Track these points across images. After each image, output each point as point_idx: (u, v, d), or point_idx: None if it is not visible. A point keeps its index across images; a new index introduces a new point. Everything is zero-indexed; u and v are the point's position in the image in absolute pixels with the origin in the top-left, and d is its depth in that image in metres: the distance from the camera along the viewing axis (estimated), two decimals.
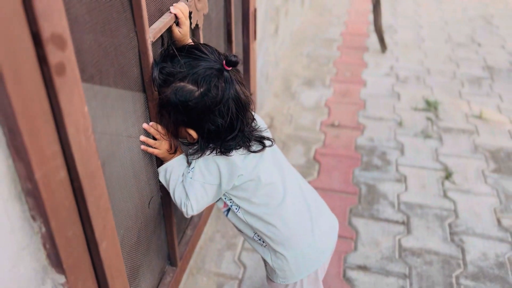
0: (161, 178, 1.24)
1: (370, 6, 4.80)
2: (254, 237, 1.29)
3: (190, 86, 1.06)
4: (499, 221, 2.09)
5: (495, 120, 2.87)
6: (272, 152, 1.26)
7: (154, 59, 1.11)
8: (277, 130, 2.75)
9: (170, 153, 1.21)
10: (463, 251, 1.93)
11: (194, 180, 1.16)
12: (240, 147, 1.15)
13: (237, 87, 1.09)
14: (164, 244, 1.45)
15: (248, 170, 1.16)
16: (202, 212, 1.81)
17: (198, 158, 1.15)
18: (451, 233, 2.02)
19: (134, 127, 1.13)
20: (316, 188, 2.27)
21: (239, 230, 1.32)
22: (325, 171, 2.40)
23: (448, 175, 2.37)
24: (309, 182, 2.31)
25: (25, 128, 0.69)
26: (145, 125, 1.16)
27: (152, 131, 1.17)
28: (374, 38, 4.04)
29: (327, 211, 1.37)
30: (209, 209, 1.92)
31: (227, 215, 1.29)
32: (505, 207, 2.17)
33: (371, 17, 4.57)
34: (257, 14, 2.17)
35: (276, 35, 3.10)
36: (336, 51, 3.90)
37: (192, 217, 1.76)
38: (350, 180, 2.34)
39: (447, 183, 2.32)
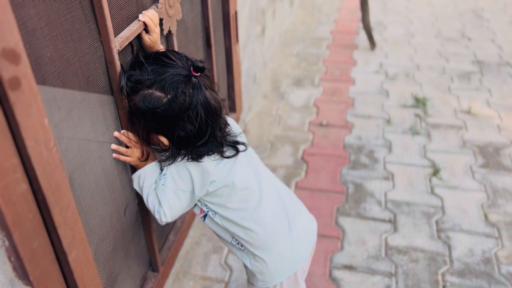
0: (135, 186, 1.24)
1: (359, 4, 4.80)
2: (232, 242, 1.29)
3: (158, 93, 1.06)
4: (486, 216, 2.09)
5: (484, 115, 2.87)
6: (247, 156, 1.26)
7: (122, 67, 1.11)
8: (266, 131, 2.75)
9: (142, 161, 1.21)
10: (449, 247, 1.94)
11: (166, 186, 1.15)
12: (213, 153, 1.15)
13: (207, 92, 1.09)
14: (144, 250, 1.46)
15: (221, 176, 1.16)
16: (185, 217, 1.81)
17: (169, 164, 1.15)
18: (438, 230, 2.02)
19: (105, 136, 1.13)
20: (303, 188, 2.28)
21: (218, 235, 1.33)
22: (312, 171, 2.41)
23: (435, 172, 2.37)
24: (297, 183, 2.31)
25: None
26: (116, 133, 1.16)
27: (123, 139, 1.18)
28: (363, 35, 4.04)
29: (305, 213, 1.37)
30: (193, 213, 1.93)
31: (204, 220, 1.29)
32: (493, 202, 2.17)
33: (360, 14, 4.57)
34: (238, 17, 2.18)
35: (263, 36, 3.10)
36: (325, 49, 3.90)
37: (175, 221, 1.76)
38: (337, 179, 2.34)
39: (434, 180, 2.33)
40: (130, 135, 1.19)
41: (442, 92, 3.16)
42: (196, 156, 1.13)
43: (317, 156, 2.53)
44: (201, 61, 1.09)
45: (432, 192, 2.25)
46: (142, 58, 1.10)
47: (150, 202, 1.19)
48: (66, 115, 0.98)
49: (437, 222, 2.07)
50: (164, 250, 1.61)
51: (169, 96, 1.05)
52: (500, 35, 4.07)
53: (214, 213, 1.24)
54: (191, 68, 1.07)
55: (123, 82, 1.10)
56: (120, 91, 1.11)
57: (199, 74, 1.08)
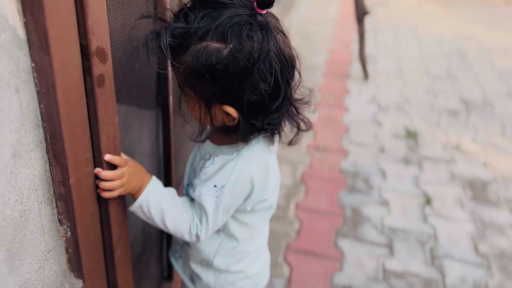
0: (142, 217, 0.99)
1: (353, 36, 4.98)
2: (207, 262, 1.10)
3: (215, 44, 0.79)
4: (476, 247, 2.19)
5: (471, 151, 3.02)
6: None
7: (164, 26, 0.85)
8: None
9: (134, 186, 0.94)
10: (443, 274, 2.02)
11: (220, 201, 0.94)
12: (278, 128, 0.92)
13: (279, 36, 0.84)
14: (160, 258, 1.48)
15: (275, 188, 1.02)
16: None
17: (240, 152, 0.93)
18: (432, 257, 2.10)
19: (147, 142, 1.17)
20: (303, 208, 2.33)
21: (185, 253, 1.15)
22: (311, 193, 2.47)
23: (427, 201, 2.47)
24: (297, 203, 2.37)
25: (67, 134, 0.73)
26: (107, 157, 0.86)
27: (115, 160, 0.88)
28: (356, 66, 4.19)
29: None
30: None
31: None
32: (482, 234, 2.28)
33: (353, 46, 4.74)
34: None
35: None
36: (320, 77, 4.02)
37: None
38: (335, 202, 2.41)
39: (427, 209, 2.42)
40: (124, 156, 0.94)
41: (431, 127, 3.30)
42: (272, 127, 0.90)
43: (315, 178, 2.60)
44: None
45: (425, 220, 2.34)
46: (186, 8, 0.83)
47: (174, 221, 0.97)
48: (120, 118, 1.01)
49: (431, 250, 2.15)
50: None
51: (230, 45, 0.79)
52: (483, 77, 4.28)
53: (222, 228, 1.05)
54: (255, 3, 0.80)
55: (165, 40, 0.81)
56: (165, 52, 0.81)
57: (265, 11, 0.81)
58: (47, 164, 0.76)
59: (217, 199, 0.94)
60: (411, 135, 3.14)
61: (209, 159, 0.98)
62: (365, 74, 3.97)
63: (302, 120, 0.96)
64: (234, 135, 0.91)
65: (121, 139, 1.03)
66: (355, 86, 3.88)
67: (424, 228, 2.29)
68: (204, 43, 0.79)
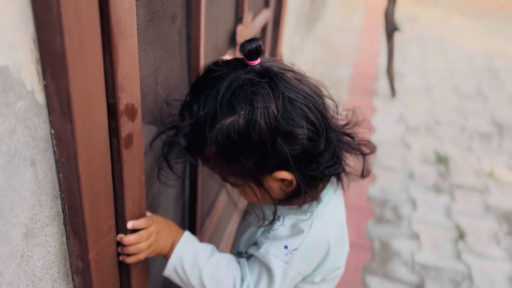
0: (178, 282, 0.87)
1: (378, 48, 4.84)
2: None
3: (228, 119, 0.72)
4: None
5: (506, 180, 2.86)
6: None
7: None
8: None
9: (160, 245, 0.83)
10: None
11: (290, 268, 0.81)
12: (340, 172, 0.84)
13: (287, 75, 0.74)
14: None
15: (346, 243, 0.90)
16: None
17: (314, 212, 0.83)
18: None
19: (173, 189, 1.07)
20: None
21: None
22: None
23: (461, 235, 2.33)
24: None
25: (87, 205, 0.63)
26: (130, 224, 0.75)
27: (140, 223, 0.78)
28: (383, 81, 4.05)
29: None
30: None
31: None
32: None
33: (379, 59, 4.60)
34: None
35: None
36: (345, 93, 3.90)
37: None
38: (363, 233, 2.28)
39: (460, 244, 2.28)
40: (148, 214, 0.83)
41: (463, 151, 3.15)
42: (333, 170, 0.80)
43: None
44: (250, 40, 0.72)
45: (459, 257, 2.19)
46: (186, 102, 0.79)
47: (218, 278, 0.84)
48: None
49: None
50: None
51: (242, 112, 0.71)
52: None
53: None
54: (244, 59, 0.74)
55: (181, 144, 0.77)
56: (189, 155, 0.79)
57: (259, 60, 0.73)
58: (64, 237, 0.66)
59: (286, 264, 0.81)
60: (441, 160, 2.99)
61: (278, 220, 0.86)
62: (393, 91, 3.84)
63: (361, 143, 0.87)
64: (300, 198, 0.80)
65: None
66: (382, 104, 3.74)
67: (457, 266, 2.14)
68: (217, 125, 0.72)
